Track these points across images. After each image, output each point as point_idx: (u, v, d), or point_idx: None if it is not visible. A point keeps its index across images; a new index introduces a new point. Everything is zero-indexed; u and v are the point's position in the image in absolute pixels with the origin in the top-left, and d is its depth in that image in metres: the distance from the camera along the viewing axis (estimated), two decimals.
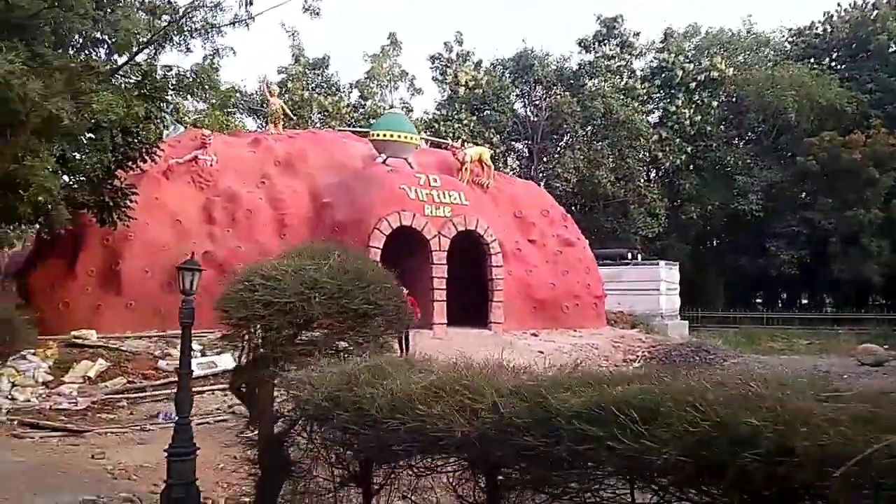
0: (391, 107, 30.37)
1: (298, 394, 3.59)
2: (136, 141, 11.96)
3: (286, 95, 27.23)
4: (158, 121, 12.44)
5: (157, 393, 10.91)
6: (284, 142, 17.86)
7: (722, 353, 15.14)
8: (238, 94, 28.22)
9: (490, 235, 15.85)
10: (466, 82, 29.19)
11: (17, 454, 6.62)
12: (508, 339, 15.14)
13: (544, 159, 30.59)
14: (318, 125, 26.47)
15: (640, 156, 28.61)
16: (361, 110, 29.72)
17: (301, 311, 4.40)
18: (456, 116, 29.23)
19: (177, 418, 9.06)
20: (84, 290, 13.66)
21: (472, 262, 15.99)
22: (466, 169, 17.94)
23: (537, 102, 30.19)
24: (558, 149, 29.44)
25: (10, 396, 10.07)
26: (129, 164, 12.29)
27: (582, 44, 33.11)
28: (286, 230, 15.84)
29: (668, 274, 26.01)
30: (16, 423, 8.20)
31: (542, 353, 14.37)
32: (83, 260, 13.94)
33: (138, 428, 8.34)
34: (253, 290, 4.49)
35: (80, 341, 11.98)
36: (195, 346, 12.36)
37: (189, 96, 13.28)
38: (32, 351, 11.02)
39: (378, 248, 14.54)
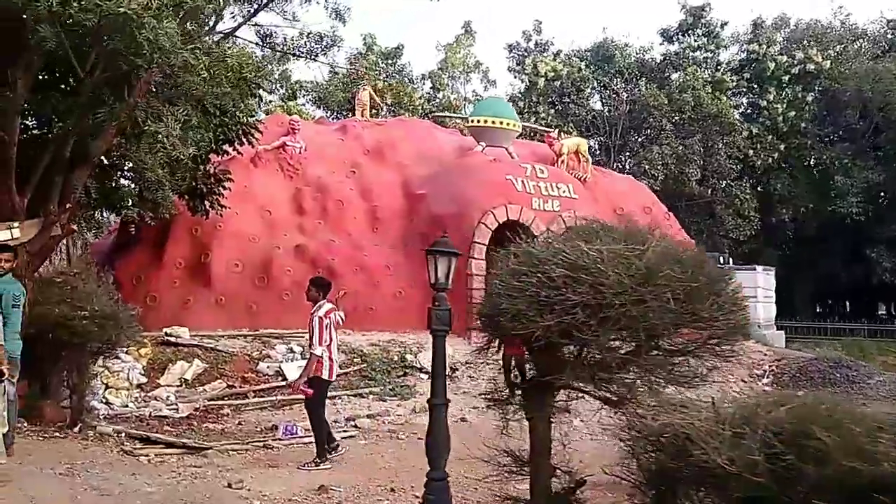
0: (464, 99, 29.19)
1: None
2: (233, 121, 10.91)
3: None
4: (257, 98, 11.40)
5: (261, 400, 9.86)
6: (373, 130, 16.77)
7: (865, 370, 13.49)
8: (303, 84, 27.39)
9: None
10: (546, 73, 27.76)
11: (142, 478, 5.55)
12: None
13: (623, 154, 28.98)
14: (388, 117, 25.38)
15: (731, 153, 26.78)
16: (434, 102, 28.54)
17: (632, 319, 3.11)
18: (533, 109, 27.82)
19: (299, 432, 8.02)
20: (172, 283, 12.74)
21: None
22: (563, 161, 16.57)
23: (618, 95, 28.55)
24: (642, 144, 27.78)
25: (104, 400, 9.13)
26: (225, 146, 11.27)
27: (664, 34, 31.38)
28: (378, 223, 14.74)
29: (766, 280, 24.21)
30: (123, 435, 7.16)
31: None
32: (171, 251, 13.02)
33: (260, 444, 7.24)
34: (553, 284, 3.19)
35: (172, 339, 11.02)
36: (294, 347, 11.33)
37: (313, 60, 12.16)
38: (125, 349, 10.09)
39: (483, 244, 13.31)
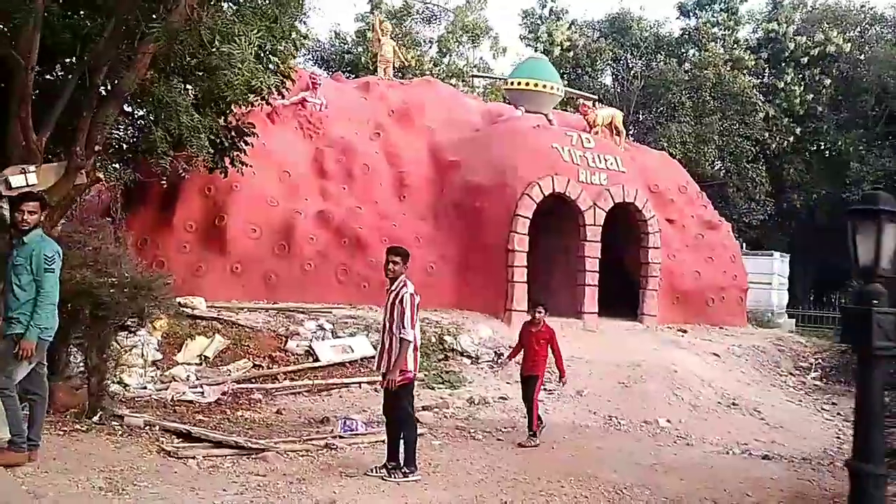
0: (473, 66, 27.79)
1: None
2: (267, 65, 9.53)
3: (364, 47, 24.72)
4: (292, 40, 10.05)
5: (294, 384, 8.69)
6: (398, 90, 15.46)
7: None
8: (310, 41, 25.74)
9: (648, 210, 13.44)
10: (561, 42, 26.46)
11: (205, 494, 4.38)
12: (669, 337, 12.81)
13: (637, 130, 27.92)
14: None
15: (750, 133, 25.86)
16: (442, 66, 27.10)
17: None
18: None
19: (360, 428, 6.88)
20: (182, 247, 11.43)
21: (612, 241, 13.52)
22: (596, 132, 15.44)
23: (634, 70, 27.39)
24: (657, 120, 26.73)
25: (118, 380, 7.87)
26: (253, 96, 9.91)
27: (681, 8, 30.22)
28: (406, 191, 13.52)
29: (781, 267, 23.58)
30: (158, 429, 5.97)
31: (716, 355, 12.06)
32: (181, 212, 11.68)
33: (321, 444, 6.09)
34: None
35: (187, 310, 9.76)
36: (324, 324, 10.16)
37: None
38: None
39: (528, 217, 12.18)
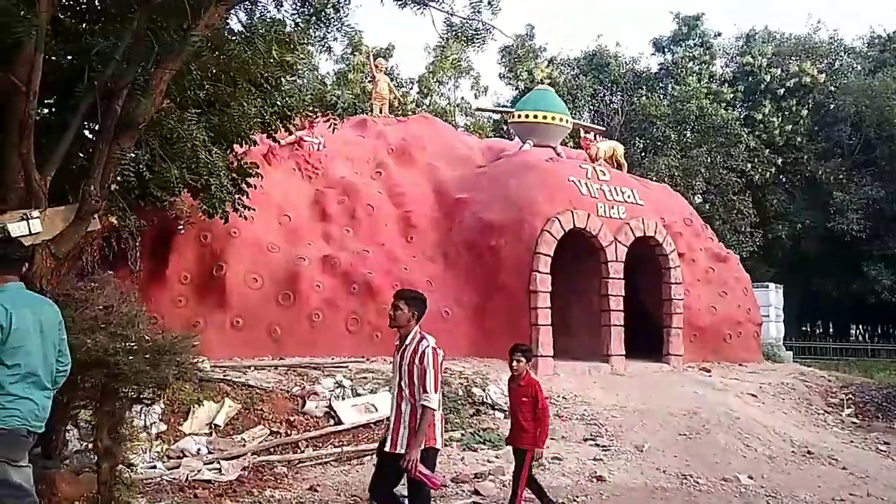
0: (456, 105, 27.41)
1: None
2: (276, 101, 8.69)
3: (344, 89, 24.12)
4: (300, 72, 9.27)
5: (320, 453, 7.66)
6: (396, 126, 14.78)
7: None
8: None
9: (669, 244, 12.84)
10: (541, 79, 26.25)
11: None
12: (698, 377, 12.08)
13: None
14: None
15: (735, 165, 25.82)
16: (422, 108, 26.63)
17: None
18: None
19: None
20: (177, 302, 10.39)
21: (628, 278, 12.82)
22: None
23: (613, 105, 27.35)
24: (642, 155, 26.57)
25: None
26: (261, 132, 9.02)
27: (656, 44, 30.53)
28: (413, 232, 12.71)
29: (777, 299, 23.23)
30: None
31: (753, 395, 11.36)
32: (174, 263, 10.66)
33: None
34: None
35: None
36: (342, 381, 9.18)
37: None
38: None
39: (548, 255, 11.44)
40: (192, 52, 5.42)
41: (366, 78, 22.49)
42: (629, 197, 12.66)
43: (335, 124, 8.59)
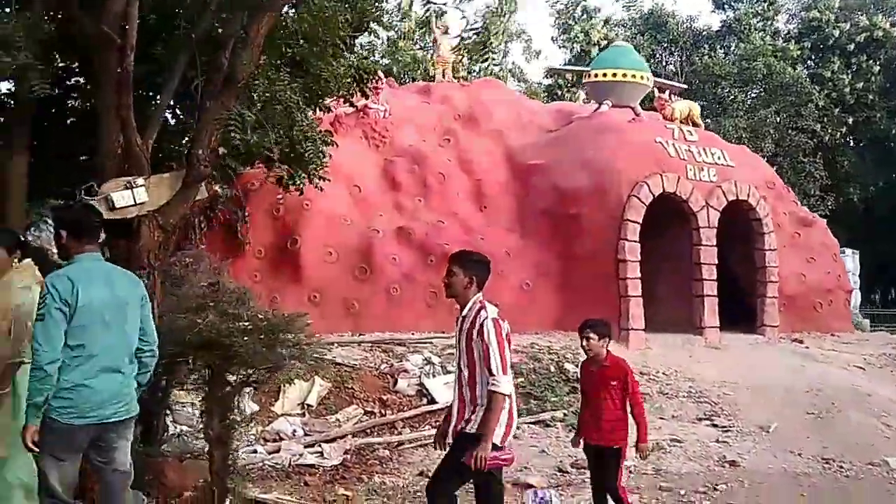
0: (508, 70, 26.48)
1: None
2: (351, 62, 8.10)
3: (394, 57, 23.43)
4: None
5: (420, 435, 7.21)
6: (461, 92, 14.12)
7: None
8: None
9: (763, 208, 12.00)
10: (598, 41, 25.18)
11: None
12: (796, 349, 11.33)
13: None
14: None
15: (805, 125, 24.48)
16: (473, 75, 25.81)
17: None
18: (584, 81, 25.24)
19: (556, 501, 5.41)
20: (253, 277, 10.01)
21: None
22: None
23: (672, 65, 26.14)
24: (709, 116, 25.37)
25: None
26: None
27: (716, 1, 29.07)
28: (486, 200, 12.12)
29: (854, 264, 22.07)
30: None
31: (861, 368, 10.57)
32: (249, 236, 10.29)
33: None
34: None
35: None
36: (431, 358, 8.73)
37: None
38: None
39: (637, 222, 10.75)
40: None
41: (417, 45, 21.77)
42: (719, 158, 11.85)
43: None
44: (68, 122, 7.44)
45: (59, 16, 4.88)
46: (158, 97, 4.48)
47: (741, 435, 7.14)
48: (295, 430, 7.07)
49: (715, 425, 7.47)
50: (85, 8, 4.32)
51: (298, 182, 8.16)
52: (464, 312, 3.76)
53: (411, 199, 11.64)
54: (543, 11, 46.60)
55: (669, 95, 15.34)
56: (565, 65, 22.07)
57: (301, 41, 6.30)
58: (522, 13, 46.03)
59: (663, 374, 9.19)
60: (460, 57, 16.45)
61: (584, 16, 27.38)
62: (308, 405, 7.57)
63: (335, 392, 7.86)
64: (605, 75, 12.66)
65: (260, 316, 4.60)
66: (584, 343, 4.63)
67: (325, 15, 6.39)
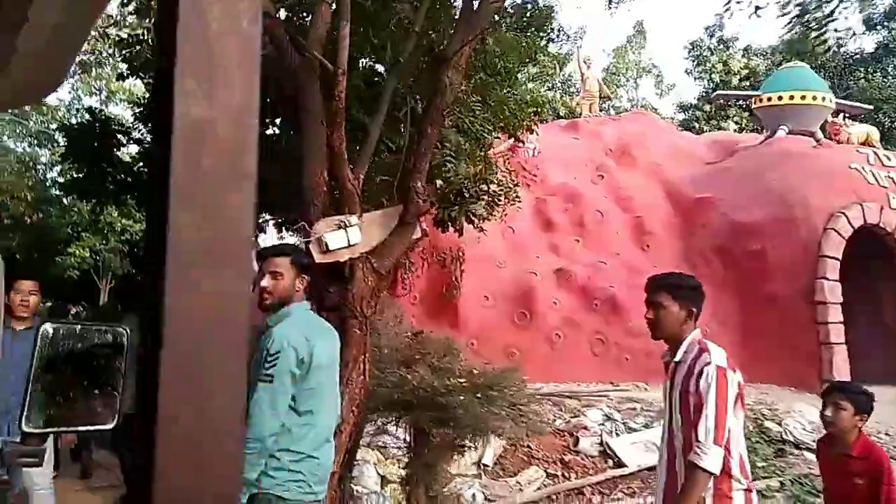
0: (640, 105, 25.51)
1: None
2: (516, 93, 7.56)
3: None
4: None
5: None
6: (611, 126, 13.40)
7: None
8: None
9: None
10: (738, 71, 23.78)
11: None
12: None
13: None
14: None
15: None
16: (604, 110, 25.02)
17: None
18: (723, 114, 23.82)
19: None
20: (410, 322, 9.57)
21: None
22: None
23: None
24: None
25: None
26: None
27: (867, 22, 26.83)
28: (648, 239, 11.19)
29: None
30: None
31: None
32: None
33: None
34: None
35: None
36: (612, 414, 7.83)
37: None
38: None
39: (836, 258, 9.47)
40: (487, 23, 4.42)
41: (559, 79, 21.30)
42: None
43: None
44: None
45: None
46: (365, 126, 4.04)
47: None
48: (474, 495, 6.39)
49: None
50: (290, 34, 4.00)
51: (457, 224, 7.66)
52: (678, 356, 2.80)
53: (567, 240, 10.94)
54: (676, 45, 45.19)
55: (844, 119, 13.91)
56: (712, 95, 20.73)
57: (482, 70, 5.88)
58: (653, 47, 45.04)
59: (885, 434, 7.81)
60: (607, 92, 15.86)
61: (721, 46, 26.04)
62: (484, 465, 6.89)
63: (511, 451, 7.14)
64: (780, 98, 11.52)
65: (475, 370, 4.00)
66: (830, 413, 3.27)
67: (506, 43, 5.97)
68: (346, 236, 3.61)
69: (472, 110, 5.29)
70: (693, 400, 2.69)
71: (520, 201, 7.00)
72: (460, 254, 9.87)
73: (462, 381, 3.92)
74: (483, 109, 5.32)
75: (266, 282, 2.68)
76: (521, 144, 11.65)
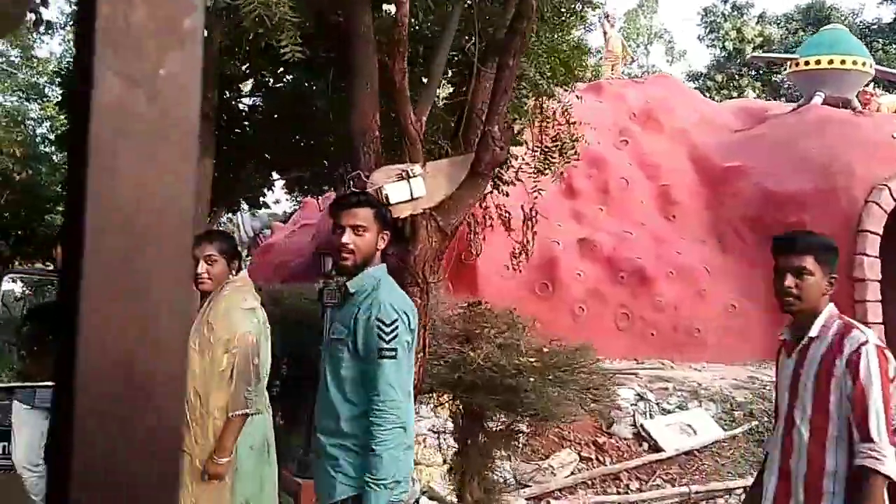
0: (647, 71, 24.77)
1: None
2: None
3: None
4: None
5: (664, 494, 5.90)
6: (635, 89, 12.76)
7: None
8: None
9: None
10: (753, 38, 23.07)
11: None
12: None
13: None
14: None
15: None
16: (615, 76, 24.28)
17: None
18: (735, 83, 23.18)
19: None
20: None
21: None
22: None
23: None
24: None
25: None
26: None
27: None
28: (674, 209, 10.67)
29: None
30: None
31: None
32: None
33: None
34: None
35: None
36: (644, 394, 7.38)
37: None
38: None
39: (877, 234, 8.99)
40: None
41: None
42: None
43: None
44: (245, 125, 6.90)
45: None
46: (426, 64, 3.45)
47: None
48: (506, 478, 5.92)
49: None
50: None
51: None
52: (814, 331, 2.35)
53: (591, 208, 10.39)
54: (689, 11, 44.14)
55: (874, 88, 13.36)
56: (748, 56, 19.93)
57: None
58: (665, 12, 43.90)
59: None
60: (630, 54, 15.17)
61: (735, 12, 25.26)
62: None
63: (541, 432, 6.67)
64: (818, 62, 10.89)
65: (545, 349, 3.47)
66: None
67: None
68: (408, 188, 3.04)
69: (530, 57, 4.68)
70: (842, 387, 2.21)
71: (577, 158, 6.37)
72: (534, 213, 9.28)
73: (532, 360, 3.40)
74: (542, 54, 4.71)
75: (347, 237, 2.12)
76: (578, 97, 11.11)
